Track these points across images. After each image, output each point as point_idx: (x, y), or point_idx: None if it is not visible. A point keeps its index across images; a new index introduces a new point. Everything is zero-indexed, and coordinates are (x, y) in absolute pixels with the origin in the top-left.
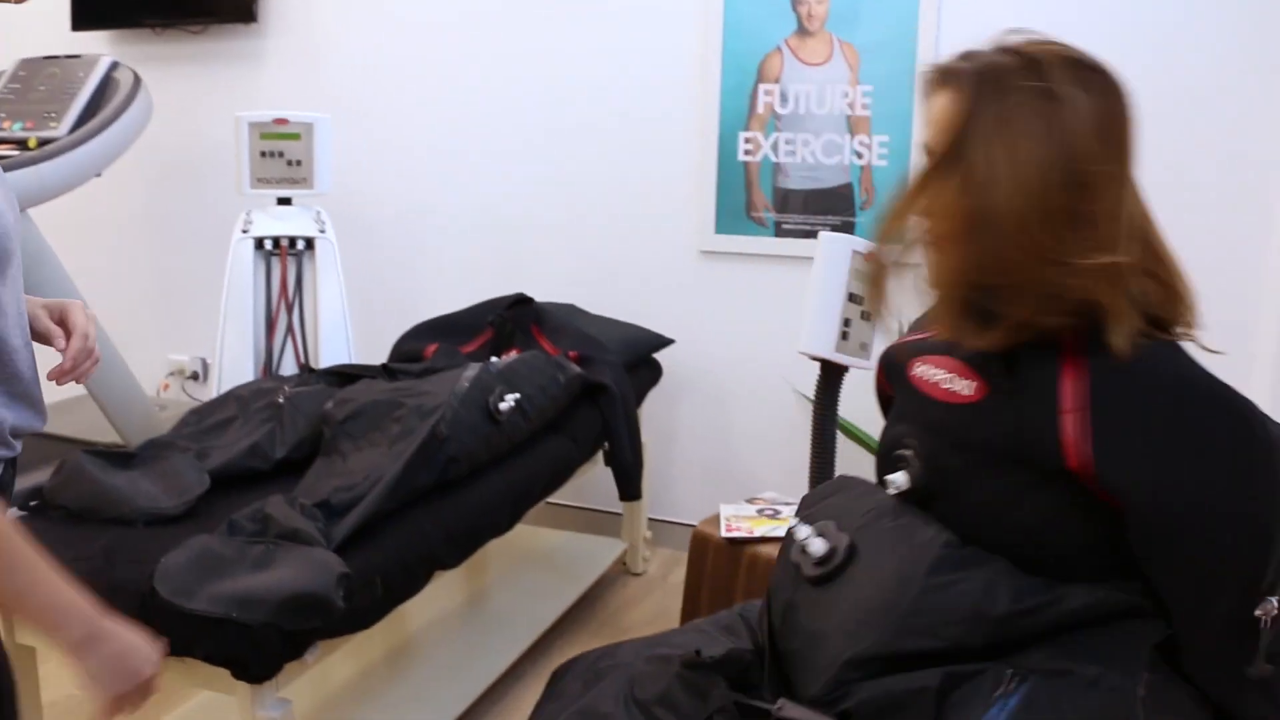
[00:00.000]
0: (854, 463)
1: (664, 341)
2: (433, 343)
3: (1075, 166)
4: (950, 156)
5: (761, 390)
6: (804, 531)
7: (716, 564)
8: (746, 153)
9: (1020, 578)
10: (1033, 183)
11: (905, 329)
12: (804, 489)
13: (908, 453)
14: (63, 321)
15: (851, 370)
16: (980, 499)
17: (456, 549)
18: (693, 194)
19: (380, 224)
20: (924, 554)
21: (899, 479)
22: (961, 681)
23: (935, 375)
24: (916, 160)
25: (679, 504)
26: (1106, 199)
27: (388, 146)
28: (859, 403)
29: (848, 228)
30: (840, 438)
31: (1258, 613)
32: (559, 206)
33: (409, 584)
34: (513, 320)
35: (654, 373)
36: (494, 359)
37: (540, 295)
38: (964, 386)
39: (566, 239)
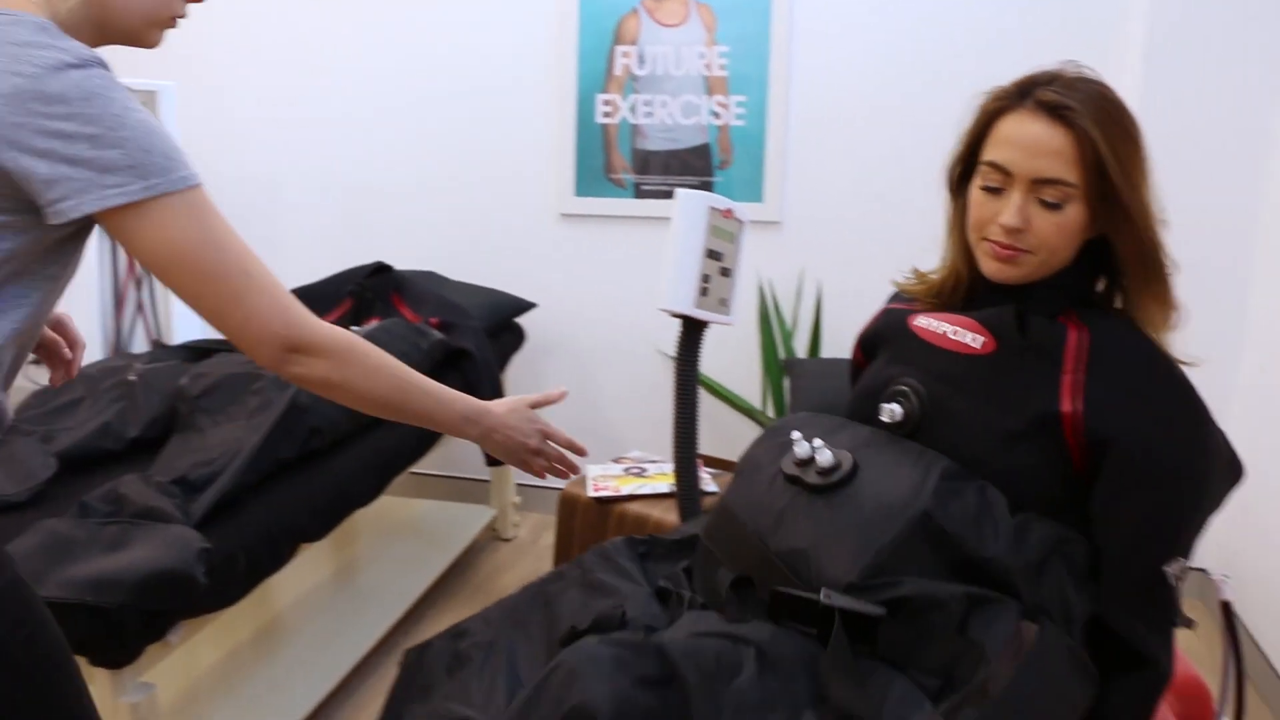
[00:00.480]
0: (716, 419)
1: (526, 305)
2: None
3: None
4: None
5: (624, 350)
6: (806, 445)
7: (585, 524)
8: (605, 115)
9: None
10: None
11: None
12: (668, 446)
13: (906, 388)
14: (59, 328)
15: (712, 327)
16: (970, 439)
17: (321, 520)
18: (552, 157)
19: (231, 196)
20: (933, 463)
21: (895, 409)
22: (982, 603)
23: (942, 327)
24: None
25: None
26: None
27: (236, 116)
28: (720, 359)
29: (706, 188)
30: (702, 394)
31: (1170, 569)
32: (417, 174)
33: (273, 558)
34: (372, 289)
35: (517, 337)
36: (354, 328)
37: (400, 263)
38: (973, 340)
39: (425, 206)
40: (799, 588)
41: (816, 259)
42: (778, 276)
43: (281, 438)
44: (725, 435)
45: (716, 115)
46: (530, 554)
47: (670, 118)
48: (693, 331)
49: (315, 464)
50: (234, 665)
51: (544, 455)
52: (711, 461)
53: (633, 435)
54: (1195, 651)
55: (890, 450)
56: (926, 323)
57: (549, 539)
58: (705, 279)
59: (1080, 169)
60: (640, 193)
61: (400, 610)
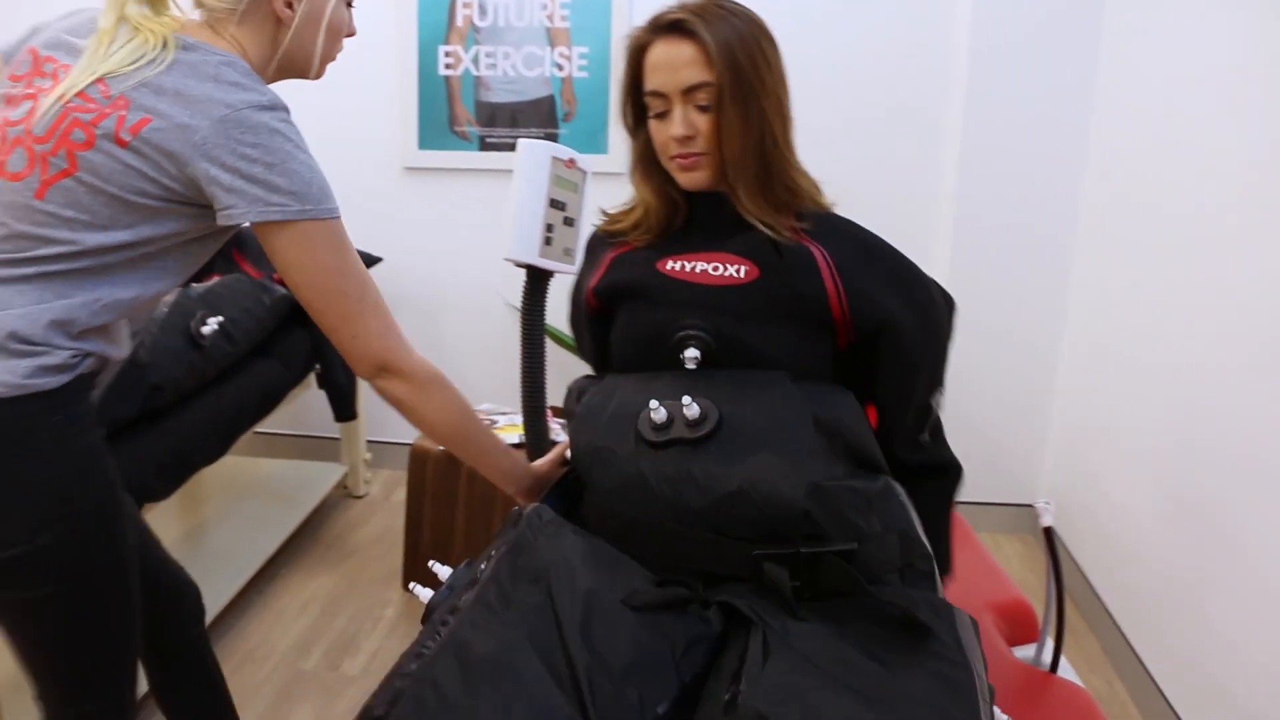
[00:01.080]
0: (564, 367)
1: (371, 260)
2: None
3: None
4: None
5: (471, 303)
6: (660, 406)
7: (436, 477)
8: (447, 67)
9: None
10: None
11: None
12: (517, 398)
13: (694, 331)
14: None
15: (558, 277)
16: (769, 355)
17: (165, 479)
18: (394, 110)
19: None
20: (791, 390)
21: (694, 353)
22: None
23: (699, 266)
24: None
25: (396, 424)
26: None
27: None
28: (551, 304)
29: (550, 139)
30: (551, 346)
31: (933, 401)
32: None
33: None
34: None
35: None
36: (194, 285)
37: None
38: (737, 270)
39: None
40: (749, 538)
41: None
42: None
43: (121, 396)
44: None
45: (559, 67)
46: (383, 510)
47: (513, 69)
48: (538, 281)
49: (158, 422)
50: None
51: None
52: (561, 412)
53: (484, 388)
54: (1021, 576)
55: (712, 386)
56: (677, 264)
57: (401, 495)
58: (549, 229)
59: (710, 68)
60: (485, 145)
61: (252, 570)
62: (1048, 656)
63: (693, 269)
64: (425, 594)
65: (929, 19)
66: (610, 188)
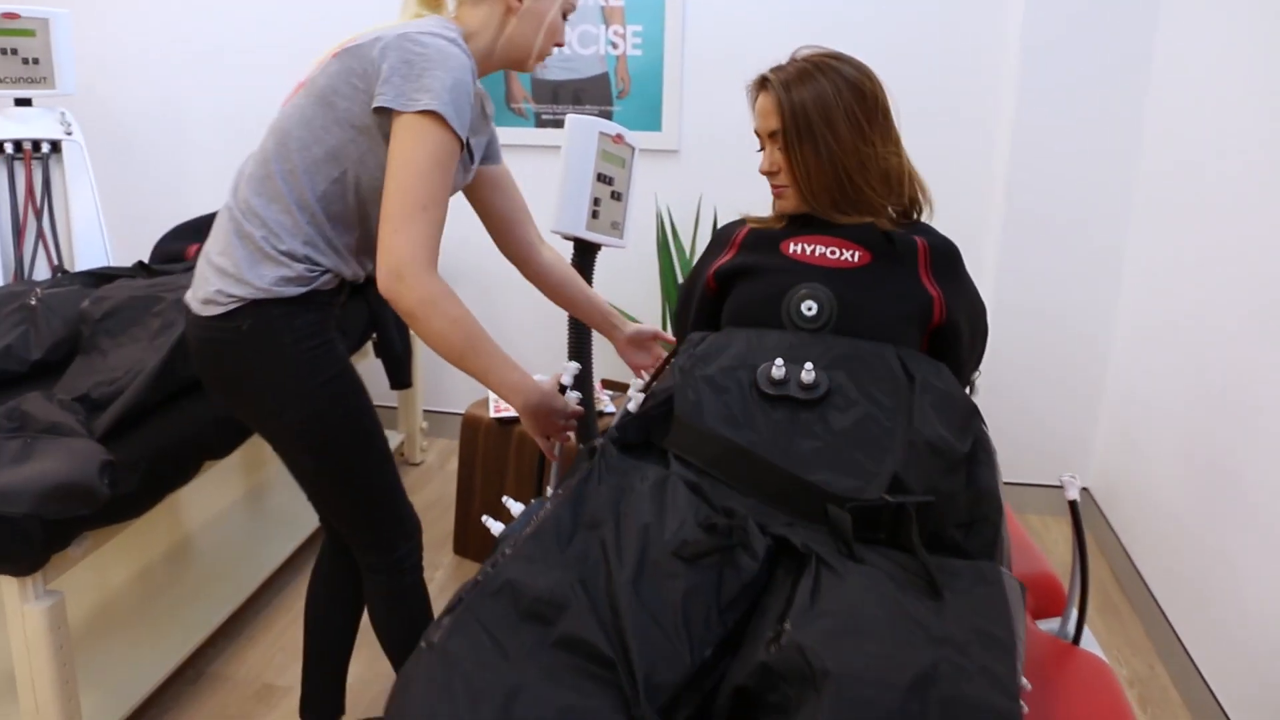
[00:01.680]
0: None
1: None
2: (194, 243)
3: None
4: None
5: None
6: (782, 367)
7: (488, 444)
8: None
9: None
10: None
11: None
12: (562, 366)
13: (812, 290)
14: None
15: (608, 251)
16: (876, 326)
17: (225, 436)
18: None
19: (134, 125)
20: (894, 358)
21: (812, 304)
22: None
23: (818, 249)
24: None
25: (450, 394)
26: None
27: (137, 44)
28: (622, 286)
29: (605, 117)
30: None
31: (975, 375)
32: None
33: (178, 472)
34: None
35: None
36: None
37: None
38: (850, 255)
39: None
40: (834, 502)
41: (713, 185)
42: (675, 203)
43: (184, 357)
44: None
45: (614, 45)
46: (438, 478)
47: (569, 47)
48: (585, 254)
49: None
50: (147, 580)
51: (560, 432)
52: (610, 385)
53: (535, 360)
54: (1065, 558)
55: (825, 348)
56: (799, 247)
57: (455, 463)
58: (596, 202)
59: (778, 116)
60: (541, 122)
61: (309, 529)
62: (1071, 628)
63: (813, 251)
64: (496, 527)
65: (979, 9)
66: (664, 165)
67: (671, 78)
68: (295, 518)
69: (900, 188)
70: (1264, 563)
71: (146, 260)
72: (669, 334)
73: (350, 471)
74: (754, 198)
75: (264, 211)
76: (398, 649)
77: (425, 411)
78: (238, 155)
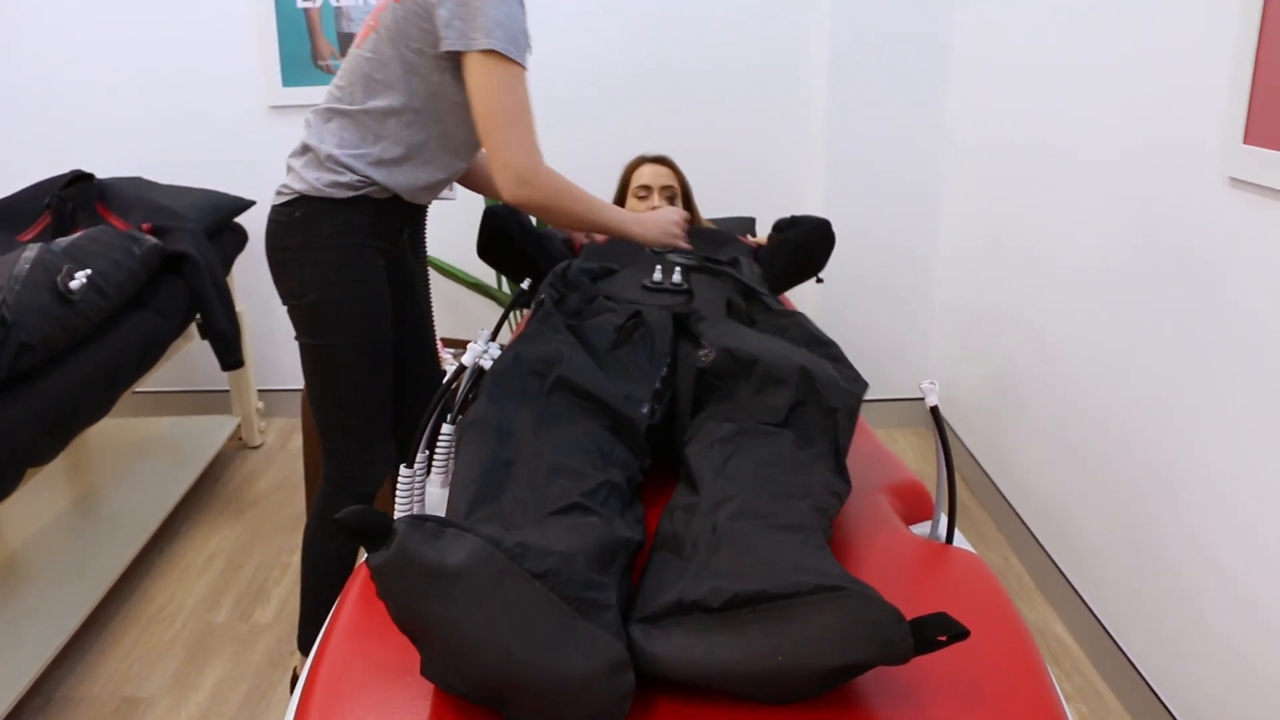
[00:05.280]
0: (450, 299)
1: (243, 204)
2: None
3: None
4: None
5: None
6: (660, 270)
7: None
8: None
9: None
10: None
11: None
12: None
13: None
14: None
15: (435, 205)
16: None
17: (48, 440)
18: (253, 47)
19: None
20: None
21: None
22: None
23: None
24: None
25: (286, 371)
26: None
27: None
28: (448, 240)
29: None
30: (436, 278)
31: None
32: (111, 74)
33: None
34: (73, 199)
35: (238, 237)
36: (58, 241)
37: (101, 172)
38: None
39: (123, 108)
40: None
41: None
42: None
43: None
44: (460, 314)
45: None
46: (280, 457)
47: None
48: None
49: (32, 382)
50: None
51: (680, 226)
52: (450, 342)
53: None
54: (917, 466)
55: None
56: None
57: (298, 441)
58: None
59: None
60: None
61: (150, 530)
62: (943, 530)
63: None
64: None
65: None
66: None
67: None
68: (133, 519)
69: None
70: (1093, 437)
71: None
72: None
73: (336, 369)
74: (568, 148)
75: (324, 128)
76: (315, 570)
77: (260, 391)
78: (18, 134)
